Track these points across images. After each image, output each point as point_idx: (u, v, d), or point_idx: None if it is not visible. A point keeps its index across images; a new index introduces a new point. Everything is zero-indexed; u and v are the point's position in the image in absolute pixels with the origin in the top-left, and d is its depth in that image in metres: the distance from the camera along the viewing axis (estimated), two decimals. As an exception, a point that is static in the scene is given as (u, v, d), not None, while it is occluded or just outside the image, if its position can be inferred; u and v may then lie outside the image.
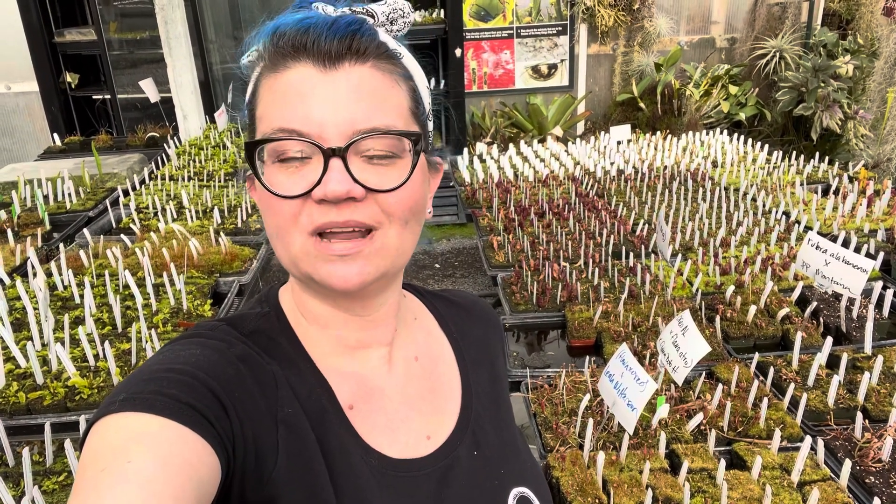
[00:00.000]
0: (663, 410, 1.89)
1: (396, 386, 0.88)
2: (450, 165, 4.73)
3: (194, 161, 4.47)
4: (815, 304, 2.47)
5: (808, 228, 3.23)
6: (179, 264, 2.88)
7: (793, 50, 5.83)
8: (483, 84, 6.17)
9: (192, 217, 3.49)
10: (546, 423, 1.94)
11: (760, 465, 1.66)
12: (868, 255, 2.74)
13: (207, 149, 4.72)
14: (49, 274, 2.80)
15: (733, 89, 5.87)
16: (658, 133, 5.20)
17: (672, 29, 6.12)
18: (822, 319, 2.43)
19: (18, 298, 2.58)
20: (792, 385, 1.98)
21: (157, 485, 0.60)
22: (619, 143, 4.91)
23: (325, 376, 0.83)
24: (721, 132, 5.16)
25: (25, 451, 1.63)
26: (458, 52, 5.47)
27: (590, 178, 4.20)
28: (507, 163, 4.69)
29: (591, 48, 6.16)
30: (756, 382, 2.00)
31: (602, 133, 5.14)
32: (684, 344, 1.79)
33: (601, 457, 1.68)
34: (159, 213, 3.52)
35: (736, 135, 4.95)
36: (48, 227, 3.46)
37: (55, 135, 5.27)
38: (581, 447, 1.83)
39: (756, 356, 2.19)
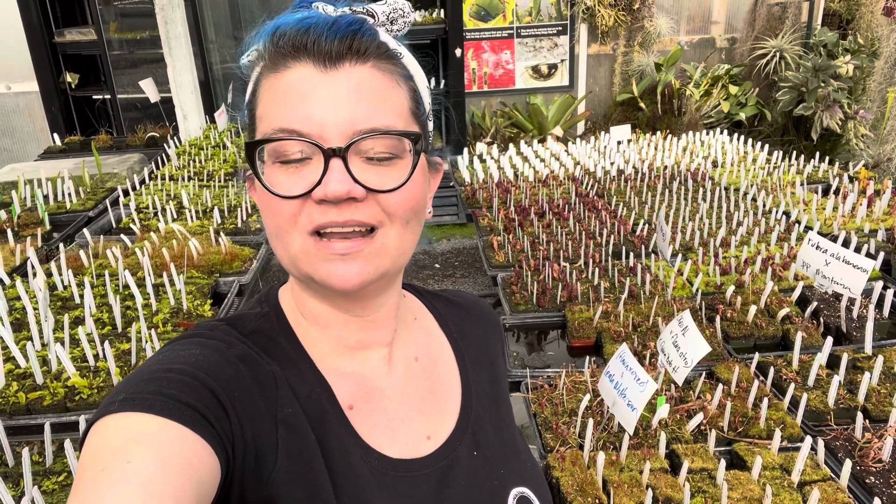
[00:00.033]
0: (663, 410, 1.89)
1: (396, 386, 0.88)
2: (450, 165, 4.73)
3: (194, 161, 4.47)
4: (815, 304, 2.47)
5: (808, 228, 3.23)
6: (179, 264, 2.88)
7: (793, 50, 5.83)
8: (483, 84, 6.17)
9: (192, 217, 3.49)
10: (546, 424, 1.94)
11: (760, 466, 1.66)
12: (868, 255, 2.74)
13: (207, 149, 4.72)
14: (49, 274, 2.80)
15: (733, 89, 5.87)
16: (658, 133, 5.20)
17: (672, 29, 6.12)
18: (822, 319, 2.43)
19: (18, 298, 2.58)
20: (792, 385, 1.98)
21: (157, 485, 0.60)
22: (619, 143, 4.91)
23: (325, 376, 0.83)
24: (721, 132, 5.16)
25: (25, 452, 1.63)
26: (458, 52, 5.47)
27: (590, 178, 4.20)
28: (507, 163, 4.69)
29: (592, 48, 6.16)
30: (756, 382, 2.00)
31: (602, 133, 5.14)
32: (684, 344, 1.79)
33: (601, 457, 1.68)
34: (159, 213, 3.52)
35: (736, 135, 4.95)
36: (48, 227, 3.46)
37: (55, 135, 5.27)
38: (581, 447, 1.83)
39: (756, 356, 2.19)
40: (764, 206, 3.58)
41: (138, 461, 0.60)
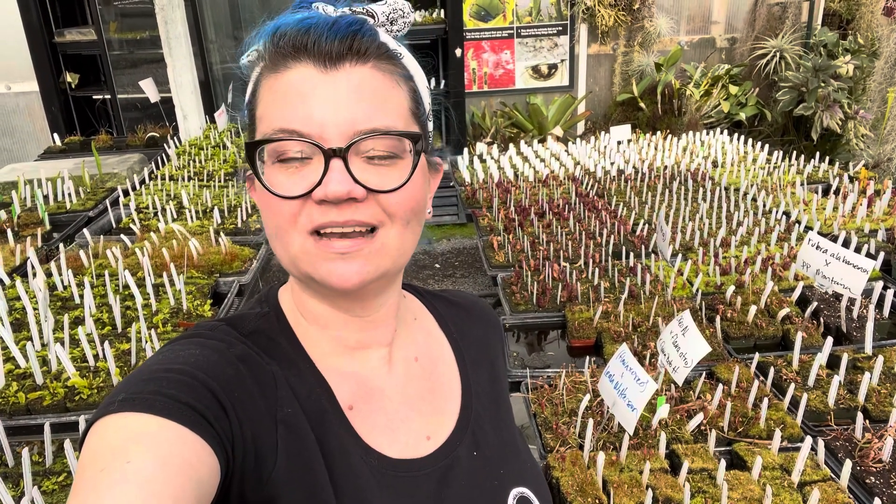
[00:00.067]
0: (663, 411, 1.89)
1: (396, 386, 0.88)
2: (450, 165, 4.73)
3: (194, 161, 4.47)
4: (815, 304, 2.47)
5: (808, 228, 3.23)
6: (179, 264, 2.88)
7: (793, 50, 5.83)
8: (483, 84, 6.17)
9: (192, 217, 3.49)
10: (546, 424, 1.94)
11: (761, 466, 1.66)
12: (868, 255, 2.74)
13: (207, 149, 4.72)
14: (49, 274, 2.80)
15: (733, 89, 5.87)
16: (658, 133, 5.20)
17: (672, 29, 6.12)
18: (822, 319, 2.43)
19: (18, 298, 2.58)
20: (792, 385, 1.98)
21: (157, 485, 0.60)
22: (619, 143, 4.91)
23: (325, 376, 0.83)
24: (721, 132, 5.16)
25: (25, 452, 1.62)
26: (458, 52, 5.47)
27: (590, 178, 4.20)
28: (507, 163, 4.69)
29: (592, 48, 6.16)
30: (756, 383, 2.00)
31: (602, 133, 5.14)
32: (684, 344, 1.79)
33: (601, 457, 1.68)
34: (159, 213, 3.52)
35: (736, 135, 4.95)
36: (48, 227, 3.46)
37: (55, 135, 5.27)
38: (581, 447, 1.82)
39: (756, 356, 2.19)
40: (764, 206, 3.57)
41: (138, 461, 0.60)
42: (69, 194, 3.81)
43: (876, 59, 5.51)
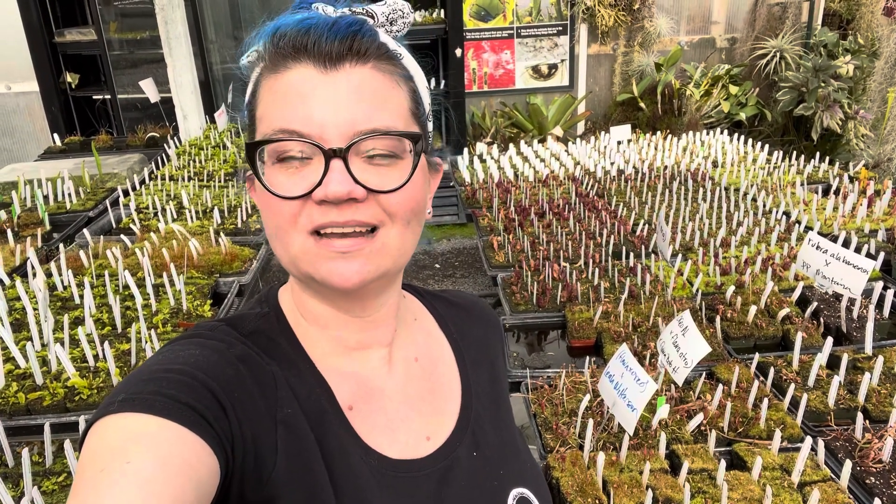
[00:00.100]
0: (663, 411, 1.89)
1: (396, 386, 0.88)
2: (450, 165, 4.73)
3: (194, 161, 4.47)
4: (815, 304, 2.47)
5: (808, 228, 3.23)
6: (179, 264, 2.88)
7: (793, 50, 5.83)
8: (483, 84, 6.17)
9: (192, 217, 3.49)
10: (546, 424, 1.94)
11: (761, 466, 1.66)
12: (868, 255, 2.74)
13: (207, 149, 4.71)
14: (49, 274, 2.80)
15: (734, 89, 5.87)
16: (658, 133, 5.20)
17: (672, 29, 6.12)
18: (822, 320, 2.43)
19: (18, 299, 2.58)
20: (792, 385, 1.98)
21: (156, 485, 0.60)
22: (619, 143, 4.91)
23: (325, 377, 0.83)
24: (721, 132, 5.16)
25: (25, 452, 1.62)
26: (458, 52, 5.47)
27: (590, 178, 4.20)
28: (508, 163, 4.69)
29: (592, 48, 6.16)
30: (756, 383, 2.00)
31: (602, 133, 5.14)
32: (684, 344, 1.79)
33: (601, 457, 1.68)
34: (159, 214, 3.52)
35: (736, 135, 4.95)
36: (48, 227, 3.46)
37: (55, 135, 5.27)
38: (581, 448, 1.82)
39: (756, 356, 2.19)
40: (764, 206, 3.57)
41: (137, 461, 0.60)
42: (69, 194, 3.81)
43: (876, 59, 5.51)
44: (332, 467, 0.76)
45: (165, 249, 2.91)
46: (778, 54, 5.84)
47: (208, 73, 5.62)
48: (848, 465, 1.63)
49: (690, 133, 5.10)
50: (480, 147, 5.12)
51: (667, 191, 3.85)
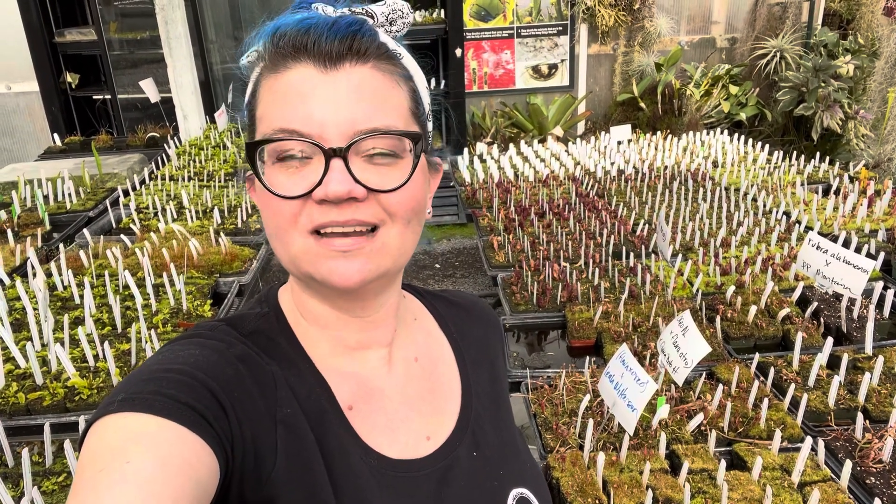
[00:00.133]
0: (663, 411, 1.89)
1: (396, 386, 0.88)
2: (450, 165, 4.73)
3: (194, 161, 4.47)
4: (815, 304, 2.47)
5: (808, 228, 3.23)
6: (179, 264, 2.88)
7: (793, 50, 5.83)
8: (483, 84, 6.17)
9: (192, 217, 3.49)
10: (546, 424, 1.94)
11: (761, 466, 1.66)
12: (869, 255, 2.74)
13: (207, 149, 4.72)
14: (49, 274, 2.80)
15: (734, 89, 5.86)
16: (658, 133, 5.20)
17: (672, 29, 6.12)
18: (822, 320, 2.43)
19: (18, 299, 2.58)
20: (792, 385, 1.98)
21: (156, 485, 0.59)
22: (619, 143, 4.91)
23: (325, 377, 0.83)
24: (721, 132, 5.16)
25: (25, 452, 1.62)
26: (458, 52, 5.47)
27: (590, 178, 4.20)
28: (508, 163, 4.69)
29: (592, 48, 6.16)
30: (756, 383, 2.00)
31: (602, 133, 5.14)
32: (684, 344, 1.79)
33: (601, 457, 1.68)
34: (159, 214, 3.52)
35: (736, 135, 4.95)
36: (48, 227, 3.46)
37: (55, 135, 5.28)
38: (581, 448, 1.82)
39: (756, 356, 2.19)
40: (764, 206, 3.57)
41: (137, 461, 0.60)
42: (69, 194, 3.81)
43: (876, 59, 5.51)
44: (332, 467, 0.76)
45: (165, 249, 2.91)
46: (778, 54, 5.84)
47: (208, 73, 5.62)
48: (848, 465, 1.63)
49: (690, 133, 5.10)
50: (480, 147, 5.12)
51: (667, 191, 3.85)
